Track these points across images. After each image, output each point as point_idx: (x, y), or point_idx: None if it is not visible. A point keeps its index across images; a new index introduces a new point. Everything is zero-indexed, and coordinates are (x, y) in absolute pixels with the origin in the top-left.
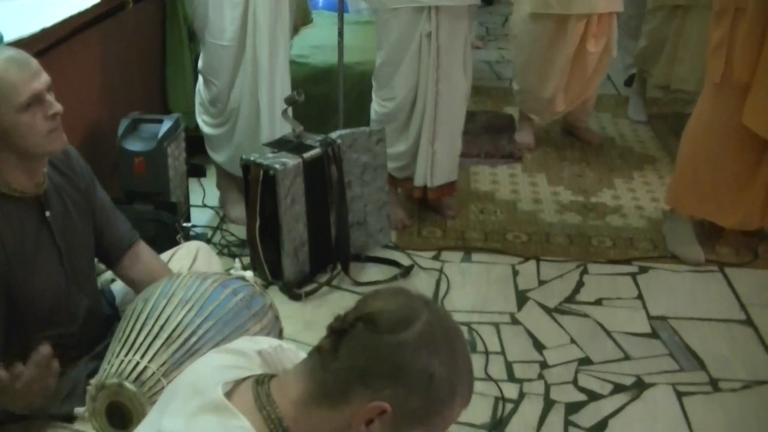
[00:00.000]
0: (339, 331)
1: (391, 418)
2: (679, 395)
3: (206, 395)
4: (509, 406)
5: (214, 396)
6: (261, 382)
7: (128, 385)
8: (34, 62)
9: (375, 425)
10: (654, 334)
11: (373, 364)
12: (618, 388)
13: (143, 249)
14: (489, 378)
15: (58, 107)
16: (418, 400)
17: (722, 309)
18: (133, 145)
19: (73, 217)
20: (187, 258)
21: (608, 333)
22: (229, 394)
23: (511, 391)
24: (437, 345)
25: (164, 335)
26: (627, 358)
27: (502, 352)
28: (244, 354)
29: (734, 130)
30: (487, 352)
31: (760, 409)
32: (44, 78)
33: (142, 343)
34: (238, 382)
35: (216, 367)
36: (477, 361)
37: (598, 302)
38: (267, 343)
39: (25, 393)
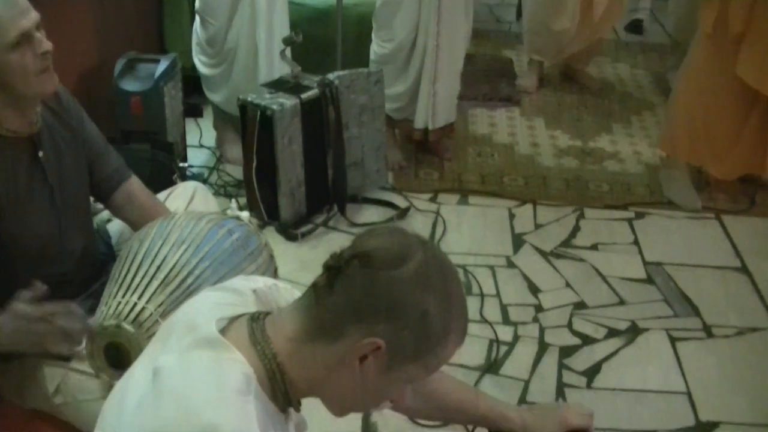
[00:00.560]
0: (335, 268)
1: (384, 355)
2: (673, 341)
3: (200, 331)
4: (503, 349)
5: (209, 331)
6: (256, 318)
7: (126, 326)
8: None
9: (369, 362)
10: (649, 280)
11: (367, 299)
12: (612, 333)
13: (137, 187)
14: (484, 320)
15: (47, 45)
16: (411, 336)
17: (717, 256)
18: (130, 84)
19: (65, 157)
20: (184, 198)
21: (603, 278)
22: (223, 331)
23: (505, 333)
24: (432, 282)
25: (161, 276)
26: (622, 302)
27: (497, 295)
28: (239, 292)
29: (726, 81)
30: (482, 295)
31: (753, 355)
32: (33, 16)
33: (139, 284)
34: (233, 319)
35: (211, 304)
36: (472, 304)
37: (594, 247)
38: (262, 282)
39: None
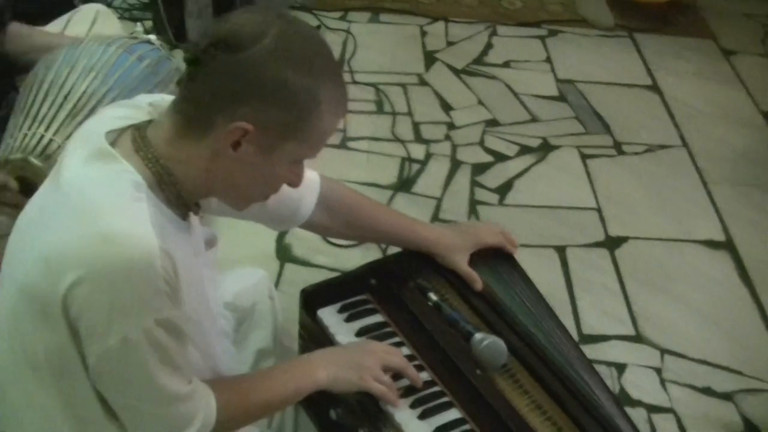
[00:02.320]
0: (193, 59)
1: (257, 137)
2: (584, 157)
3: (92, 144)
4: (416, 167)
5: (99, 144)
6: (139, 127)
7: (33, 160)
8: None
9: (243, 147)
10: (561, 97)
11: (227, 84)
12: (524, 150)
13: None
14: (396, 139)
15: None
16: (278, 112)
17: (629, 74)
18: None
19: None
20: (85, 22)
21: (516, 95)
22: (114, 143)
23: (418, 151)
24: (290, 53)
25: (68, 106)
26: (534, 120)
27: (410, 113)
28: (135, 106)
29: None
30: (394, 113)
31: (661, 172)
32: None
33: (46, 115)
34: (123, 131)
35: (106, 119)
36: (384, 122)
37: (507, 64)
38: (162, 96)
39: None
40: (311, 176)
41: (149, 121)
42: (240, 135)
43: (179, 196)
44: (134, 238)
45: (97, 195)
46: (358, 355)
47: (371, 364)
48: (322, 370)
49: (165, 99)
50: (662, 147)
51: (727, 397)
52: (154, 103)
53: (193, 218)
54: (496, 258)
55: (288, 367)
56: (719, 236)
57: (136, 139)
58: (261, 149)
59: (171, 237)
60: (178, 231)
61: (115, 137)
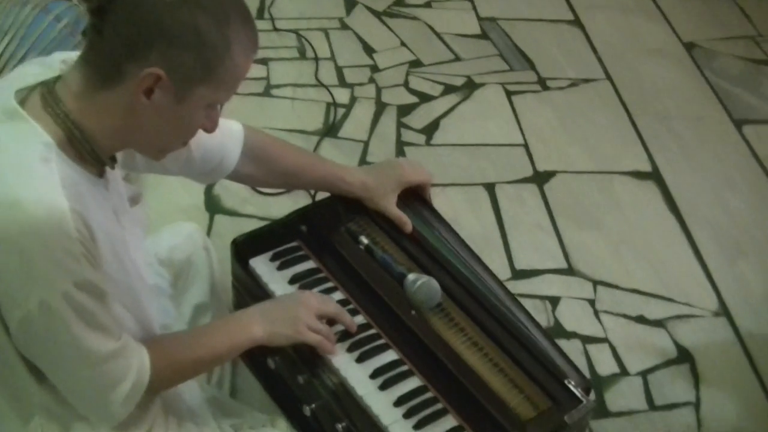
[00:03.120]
0: (98, 9)
1: (169, 83)
2: (509, 94)
3: (1, 104)
4: (341, 111)
5: (7, 104)
6: (48, 83)
7: None
8: None
9: (156, 95)
10: (484, 35)
11: (134, 31)
12: (449, 89)
13: None
14: (320, 84)
15: None
16: (189, 56)
17: (551, 9)
18: None
19: None
20: None
21: (438, 35)
22: (23, 102)
23: (342, 96)
24: None
25: None
26: (457, 59)
27: (332, 58)
28: (48, 64)
29: None
30: (316, 58)
31: (586, 106)
32: None
33: None
34: (32, 89)
35: (16, 78)
36: (307, 68)
37: (428, 5)
38: (78, 54)
39: None
40: (234, 126)
41: (58, 77)
42: (152, 82)
43: (92, 151)
44: (44, 202)
45: (2, 161)
46: (292, 308)
47: (305, 315)
48: (257, 326)
49: None
50: (586, 81)
51: (659, 324)
52: (66, 60)
53: (113, 175)
54: (417, 200)
55: (222, 325)
56: (645, 167)
57: (45, 96)
58: (174, 95)
59: (85, 196)
60: (94, 189)
61: (24, 96)
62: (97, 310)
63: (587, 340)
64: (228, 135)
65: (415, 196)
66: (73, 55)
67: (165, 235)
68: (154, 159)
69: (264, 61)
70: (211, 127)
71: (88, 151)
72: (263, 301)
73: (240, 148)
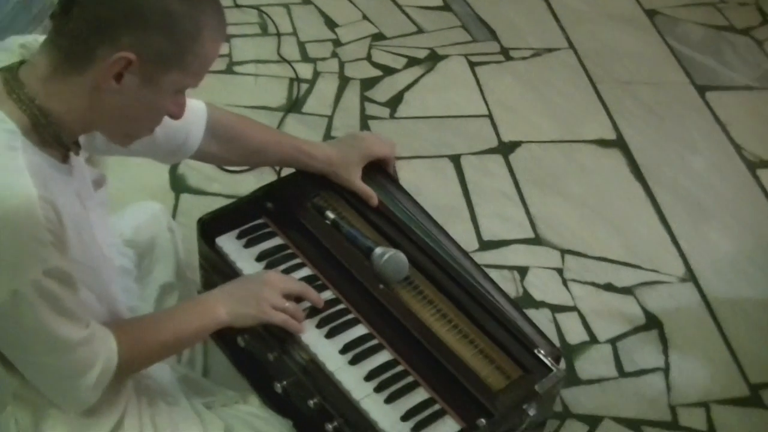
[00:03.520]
0: None
1: (139, 67)
2: (472, 65)
3: None
4: (304, 87)
5: None
6: (10, 69)
7: None
8: None
9: (126, 79)
10: (446, 7)
11: (105, 14)
12: (412, 62)
13: None
14: (283, 60)
15: None
16: (160, 40)
17: None
18: None
19: None
20: None
21: (400, 8)
22: None
23: (305, 71)
24: None
25: None
26: (420, 31)
27: (295, 33)
28: (7, 50)
29: None
30: (279, 34)
31: (549, 75)
32: None
33: None
34: None
35: None
36: (269, 44)
37: None
38: (34, 37)
39: None
40: (197, 105)
41: (21, 62)
42: (122, 66)
43: (57, 136)
44: (12, 191)
45: None
46: (255, 288)
47: (269, 294)
48: (221, 308)
49: (38, 39)
50: (549, 50)
51: (627, 291)
52: (26, 45)
53: (76, 159)
54: (382, 174)
55: (188, 307)
56: (610, 135)
57: (9, 81)
58: (144, 80)
59: (51, 182)
60: (59, 175)
61: None
62: (66, 297)
63: (556, 309)
64: (191, 114)
65: (378, 170)
66: (31, 38)
67: (129, 214)
68: (121, 145)
69: (226, 39)
70: (178, 113)
71: (52, 136)
72: (227, 283)
73: (204, 127)
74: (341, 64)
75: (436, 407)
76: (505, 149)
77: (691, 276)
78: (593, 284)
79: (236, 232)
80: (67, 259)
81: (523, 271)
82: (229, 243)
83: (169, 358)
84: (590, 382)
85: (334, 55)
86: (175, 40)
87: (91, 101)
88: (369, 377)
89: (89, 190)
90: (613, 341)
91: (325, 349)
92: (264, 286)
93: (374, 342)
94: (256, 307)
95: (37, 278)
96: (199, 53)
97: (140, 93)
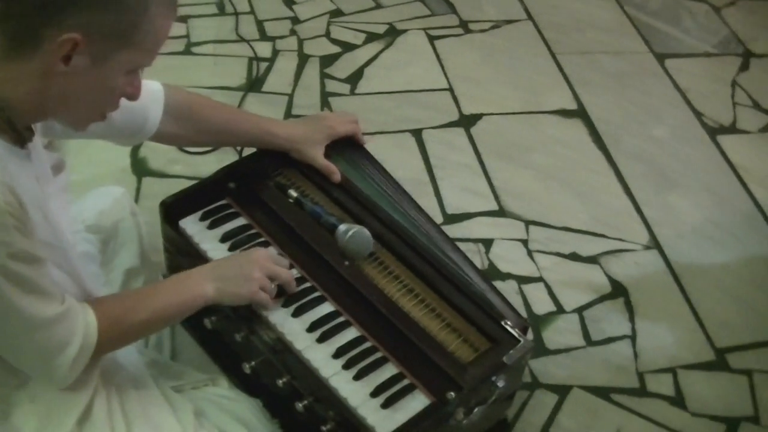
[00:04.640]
0: None
1: (88, 48)
2: (431, 39)
3: None
4: (264, 65)
5: None
6: None
7: None
8: None
9: (75, 61)
10: None
11: None
12: (371, 37)
13: None
14: (241, 39)
15: None
16: (107, 18)
17: None
18: None
19: None
20: None
21: None
22: None
23: (264, 49)
24: None
25: None
26: (378, 6)
27: (252, 12)
28: None
29: None
30: (236, 13)
31: (509, 46)
32: None
33: None
34: None
35: None
36: (227, 24)
37: None
38: None
39: None
40: (154, 86)
41: None
42: (70, 47)
43: (10, 122)
44: None
45: None
46: (246, 266)
47: (258, 275)
48: (208, 285)
49: None
50: (508, 22)
51: (592, 260)
52: None
53: (34, 145)
54: (349, 147)
55: (172, 284)
56: (571, 105)
57: None
58: (94, 61)
59: (10, 168)
60: (18, 160)
61: None
62: (36, 276)
63: (522, 280)
64: (149, 95)
65: (348, 144)
66: None
67: (91, 200)
68: (76, 130)
69: (183, 19)
70: (133, 94)
71: (5, 122)
72: (217, 259)
73: (162, 108)
74: (300, 42)
75: (405, 382)
76: (467, 122)
77: (655, 243)
78: (558, 254)
79: (199, 213)
80: (33, 241)
81: (488, 243)
82: (192, 225)
83: (136, 342)
84: (558, 351)
85: (293, 32)
86: (122, 18)
87: (42, 85)
88: (337, 354)
89: (49, 175)
90: (579, 310)
91: (292, 327)
92: (254, 265)
93: (341, 319)
94: (245, 287)
95: (3, 262)
96: (149, 30)
97: (91, 74)
